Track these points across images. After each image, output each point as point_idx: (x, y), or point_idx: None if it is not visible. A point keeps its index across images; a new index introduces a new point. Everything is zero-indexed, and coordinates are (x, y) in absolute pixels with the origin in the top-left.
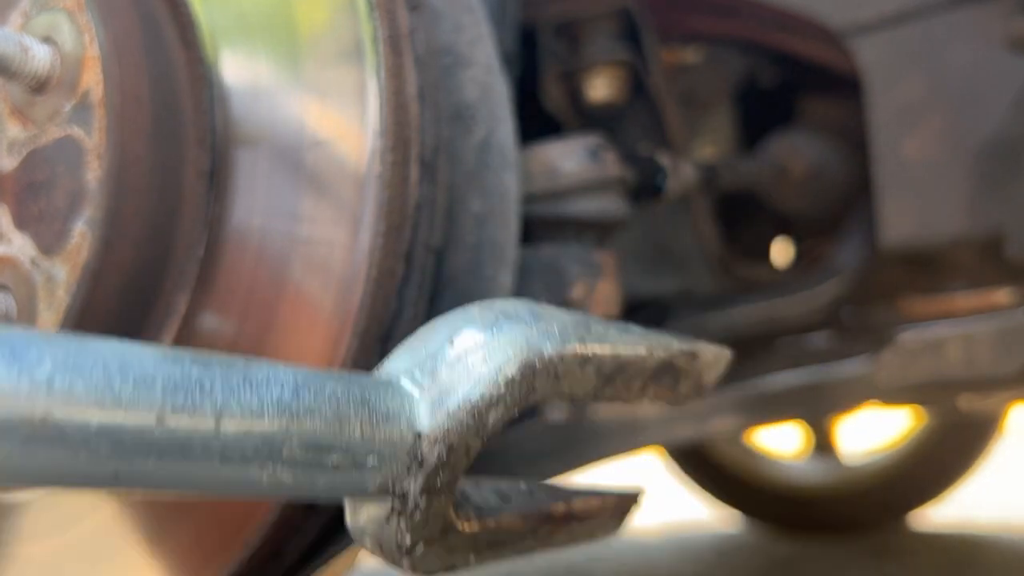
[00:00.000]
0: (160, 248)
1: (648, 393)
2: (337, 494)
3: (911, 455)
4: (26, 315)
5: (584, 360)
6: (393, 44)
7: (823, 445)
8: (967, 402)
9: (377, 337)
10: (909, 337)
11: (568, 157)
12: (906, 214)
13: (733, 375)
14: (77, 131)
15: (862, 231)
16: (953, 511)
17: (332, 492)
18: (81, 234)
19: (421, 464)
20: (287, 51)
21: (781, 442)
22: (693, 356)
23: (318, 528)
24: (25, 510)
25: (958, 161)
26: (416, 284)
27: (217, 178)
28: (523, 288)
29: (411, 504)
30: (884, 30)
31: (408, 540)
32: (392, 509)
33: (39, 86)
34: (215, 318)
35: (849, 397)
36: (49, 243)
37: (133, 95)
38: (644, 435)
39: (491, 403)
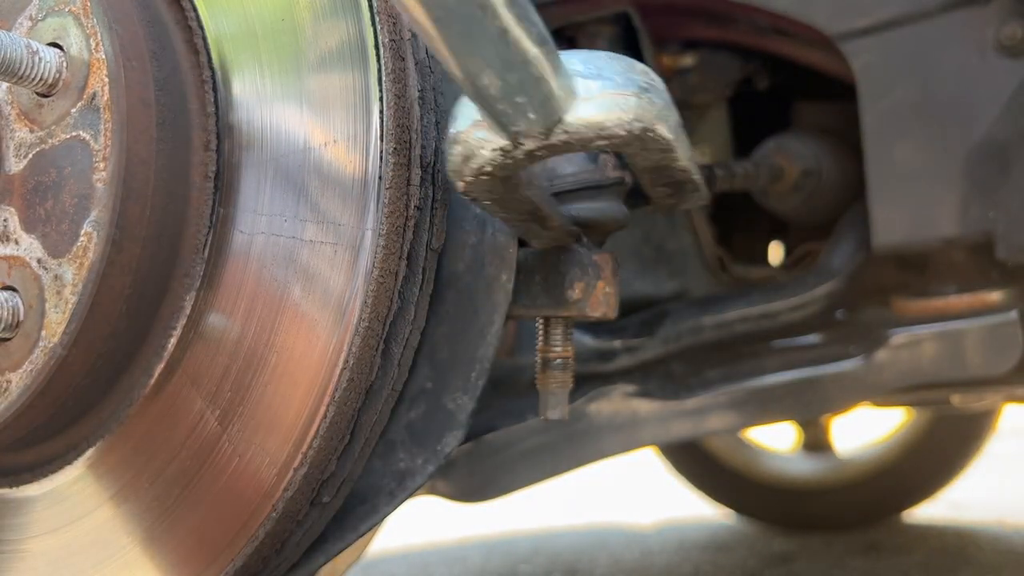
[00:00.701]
0: (166, 249)
1: (658, 192)
2: (501, 116)
3: (904, 451)
4: (34, 315)
5: (669, 151)
6: (395, 49)
7: (817, 442)
8: (960, 402)
9: (379, 336)
10: (902, 338)
11: (567, 160)
12: (899, 216)
13: (728, 376)
14: (84, 134)
15: (856, 233)
16: (948, 507)
17: (502, 114)
18: (88, 235)
19: (546, 137)
20: (291, 55)
21: (776, 438)
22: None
23: (321, 523)
24: (32, 506)
25: (950, 164)
26: (417, 284)
27: (223, 180)
28: (523, 288)
29: (516, 155)
30: (878, 35)
31: (488, 170)
32: (503, 150)
33: (46, 89)
34: (221, 318)
35: (843, 398)
36: (56, 244)
37: (139, 98)
38: (641, 434)
39: (597, 137)
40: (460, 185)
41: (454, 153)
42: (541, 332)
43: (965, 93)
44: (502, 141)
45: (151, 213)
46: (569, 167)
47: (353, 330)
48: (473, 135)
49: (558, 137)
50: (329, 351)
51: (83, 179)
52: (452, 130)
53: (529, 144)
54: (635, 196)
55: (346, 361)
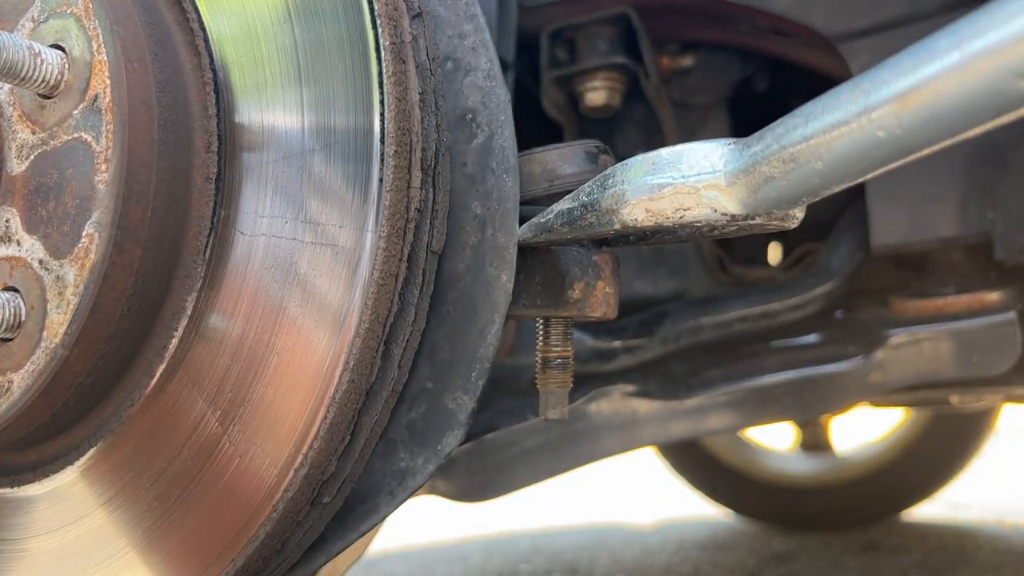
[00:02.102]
0: (168, 250)
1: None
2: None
3: (903, 451)
4: (35, 316)
5: None
6: (396, 52)
7: (816, 442)
8: (959, 402)
9: (380, 338)
10: (901, 338)
11: (567, 160)
12: (898, 216)
13: (727, 376)
14: (86, 135)
15: (855, 233)
16: (946, 506)
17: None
18: (89, 236)
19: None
20: (292, 57)
21: (775, 437)
22: None
23: (322, 523)
24: (34, 505)
25: (948, 164)
26: (417, 286)
27: (224, 182)
28: (523, 288)
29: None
30: (876, 36)
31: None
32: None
33: (48, 91)
34: (222, 319)
35: (842, 397)
36: (58, 245)
37: (141, 100)
38: (641, 434)
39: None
40: (641, 217)
41: (676, 188)
42: (541, 332)
43: None
44: (736, 211)
45: (152, 214)
46: (569, 168)
47: (353, 332)
48: (708, 194)
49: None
50: (330, 353)
51: (85, 180)
52: (688, 176)
53: (757, 220)
54: None
55: (346, 362)
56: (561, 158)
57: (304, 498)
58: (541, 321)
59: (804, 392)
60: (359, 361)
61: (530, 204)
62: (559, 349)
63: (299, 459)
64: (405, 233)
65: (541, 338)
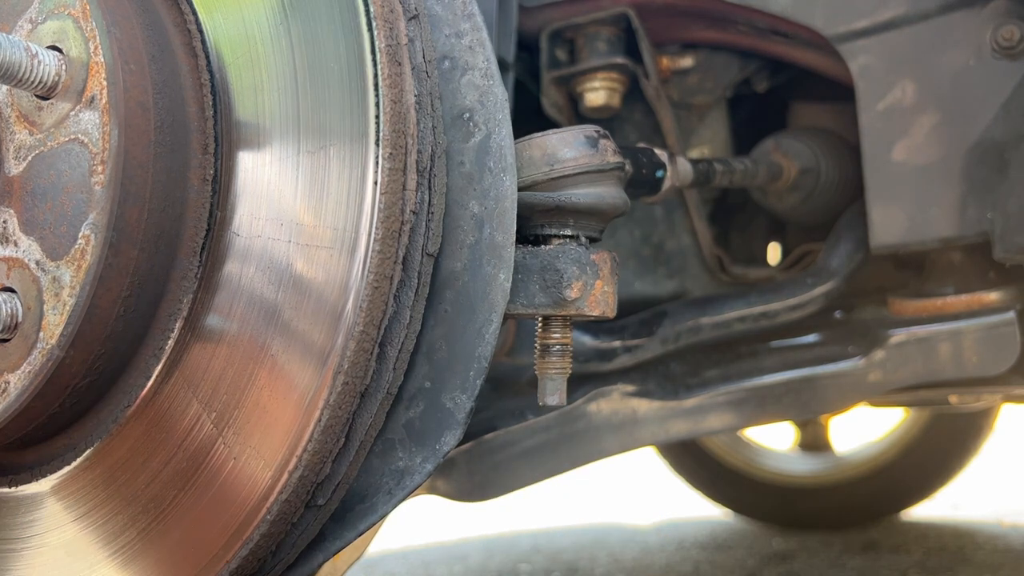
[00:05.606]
0: (164, 252)
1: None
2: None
3: (903, 451)
4: (32, 317)
5: None
6: (391, 54)
7: (816, 441)
8: (958, 402)
9: (375, 340)
10: (900, 338)
11: (567, 145)
12: (897, 216)
13: (727, 376)
14: (83, 137)
15: (854, 233)
16: (946, 506)
17: None
18: (86, 238)
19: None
20: (288, 59)
21: (775, 437)
22: None
23: (317, 525)
24: (31, 505)
25: (948, 164)
26: (413, 288)
27: (221, 183)
28: (521, 287)
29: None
30: (876, 36)
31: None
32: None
33: (46, 92)
34: (218, 320)
35: (841, 397)
36: (55, 246)
37: (138, 101)
38: (640, 434)
39: None
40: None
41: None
42: (540, 326)
43: (962, 93)
44: None
45: (149, 216)
46: (569, 152)
47: (348, 334)
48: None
49: None
50: (324, 355)
51: (81, 182)
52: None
53: None
54: (637, 186)
55: (340, 365)
56: (561, 142)
57: (299, 500)
58: (540, 319)
59: (803, 392)
60: (353, 363)
61: (530, 189)
62: (558, 336)
63: (293, 461)
64: (400, 236)
65: (540, 328)
